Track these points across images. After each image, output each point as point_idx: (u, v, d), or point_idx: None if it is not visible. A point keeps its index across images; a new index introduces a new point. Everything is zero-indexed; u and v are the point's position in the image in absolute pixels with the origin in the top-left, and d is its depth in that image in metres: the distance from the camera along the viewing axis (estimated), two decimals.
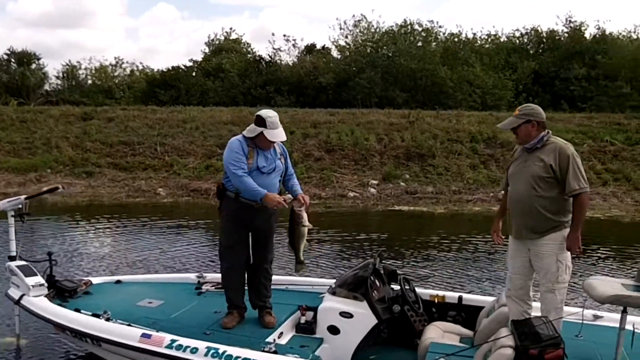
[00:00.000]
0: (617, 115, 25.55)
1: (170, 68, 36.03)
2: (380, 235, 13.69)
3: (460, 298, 6.25)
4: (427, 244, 12.55)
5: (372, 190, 19.25)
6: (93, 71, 40.76)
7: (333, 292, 5.74)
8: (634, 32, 37.91)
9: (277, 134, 5.36)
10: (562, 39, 36.87)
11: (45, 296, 6.05)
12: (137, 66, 43.64)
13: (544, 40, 37.88)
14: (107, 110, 25.97)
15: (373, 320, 5.45)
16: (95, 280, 6.89)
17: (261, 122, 5.31)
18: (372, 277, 5.68)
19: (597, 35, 35.66)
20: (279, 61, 36.84)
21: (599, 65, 33.50)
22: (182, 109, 27.35)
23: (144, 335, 5.05)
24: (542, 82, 35.07)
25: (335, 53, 38.17)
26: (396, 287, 5.98)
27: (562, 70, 34.44)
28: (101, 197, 18.59)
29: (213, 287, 6.66)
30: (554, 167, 4.80)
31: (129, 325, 5.35)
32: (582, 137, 22.31)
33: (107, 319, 5.45)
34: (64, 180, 20.12)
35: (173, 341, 4.90)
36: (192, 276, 7.12)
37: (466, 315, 6.08)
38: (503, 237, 5.51)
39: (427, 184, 19.65)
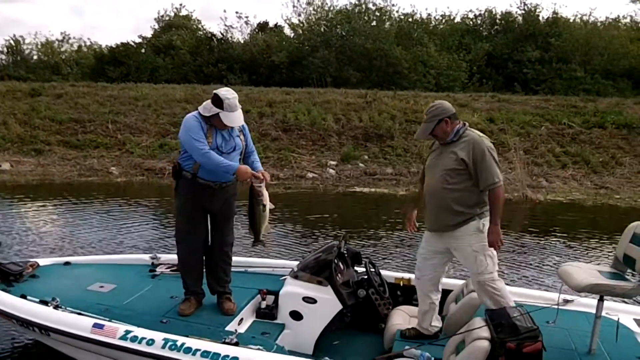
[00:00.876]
0: (573, 98, 25.79)
1: (120, 44, 34.86)
2: (342, 216, 13.46)
3: None
4: (390, 225, 12.29)
5: (331, 171, 18.90)
6: (39, 46, 39.22)
7: (295, 276, 5.48)
8: (588, 15, 38.44)
9: (234, 118, 4.98)
10: (516, 21, 36.98)
11: None
12: (84, 42, 42.21)
13: (498, 22, 37.98)
14: (56, 87, 24.91)
15: (338, 306, 5.22)
16: (42, 261, 6.41)
17: (218, 102, 4.93)
18: (336, 260, 5.42)
19: (550, 18, 35.84)
20: (231, 39, 36.05)
21: (552, 48, 33.76)
22: (133, 86, 26.47)
23: (96, 325, 4.68)
24: (495, 63, 35.18)
25: (288, 31, 37.57)
26: (360, 269, 5.75)
27: (516, 52, 34.62)
28: (52, 175, 17.78)
29: (168, 270, 6.34)
30: (466, 160, 4.64)
31: (79, 313, 4.97)
32: (539, 120, 22.45)
33: (56, 307, 5.06)
34: (12, 158, 19.23)
35: (127, 332, 4.55)
36: (145, 257, 6.75)
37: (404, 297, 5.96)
38: (417, 225, 5.38)
39: (386, 165, 19.41)
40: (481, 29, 38.47)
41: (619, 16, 44.61)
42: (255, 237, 5.14)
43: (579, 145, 20.78)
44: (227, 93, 4.94)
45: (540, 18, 36.33)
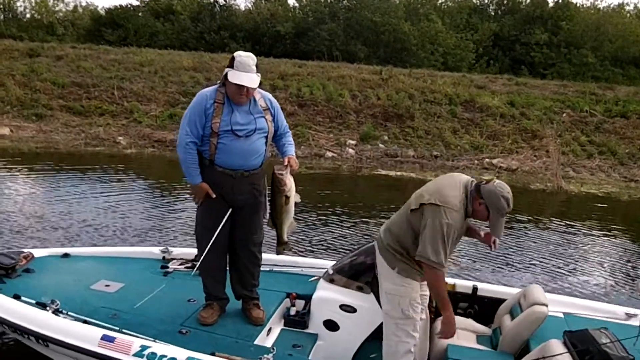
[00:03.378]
0: (591, 85, 25.11)
1: (118, 6, 33.40)
2: (372, 204, 12.45)
3: (475, 288, 5.19)
4: None
5: (350, 150, 18.08)
6: (33, 4, 37.40)
7: (331, 280, 4.77)
8: (598, 1, 37.77)
9: (242, 76, 4.10)
10: (524, 2, 36.21)
11: None
12: (80, 2, 40.55)
13: (505, 2, 37.15)
14: (56, 48, 23.57)
15: (381, 317, 4.38)
16: (37, 252, 5.51)
17: (231, 61, 4.16)
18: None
19: (560, 1, 35.09)
20: (234, 6, 34.70)
21: (561, 32, 33.10)
22: (137, 50, 25.24)
23: (105, 337, 3.94)
24: (501, 45, 34.52)
25: (291, 0, 36.34)
26: None
27: (523, 34, 33.95)
28: (56, 143, 16.70)
29: (182, 266, 5.49)
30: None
31: (84, 321, 4.20)
32: (560, 106, 21.72)
33: (56, 311, 4.26)
34: (12, 122, 18.07)
35: (144, 347, 3.85)
36: (155, 250, 5.86)
37: (479, 308, 5.12)
38: None
39: (407, 147, 18.63)
40: (489, 8, 37.65)
41: (622, 3, 44.13)
42: (278, 238, 4.36)
43: (604, 135, 20.12)
44: (242, 53, 4.19)
45: (550, 1, 35.62)
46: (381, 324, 4.37)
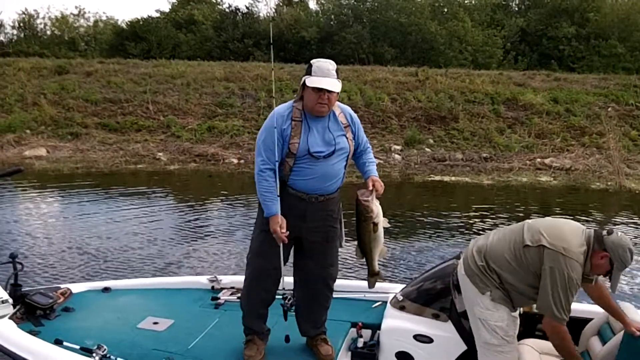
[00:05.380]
0: (632, 77, 24.41)
1: (140, 19, 32.98)
2: (437, 212, 11.82)
3: None
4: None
5: (397, 156, 17.57)
6: (54, 21, 37.06)
7: (401, 307, 4.24)
8: None
9: (322, 80, 3.63)
10: None
11: (11, 318, 4.32)
12: (100, 16, 40.21)
13: None
14: (84, 64, 23.20)
15: (461, 347, 4.01)
16: (75, 287, 5.02)
17: (307, 69, 3.71)
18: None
19: None
20: (256, 13, 34.28)
21: (589, 24, 32.41)
22: (167, 62, 24.78)
23: None
24: (528, 40, 33.83)
25: (312, 5, 35.89)
26: None
27: (550, 28, 33.22)
28: (96, 162, 16.27)
29: (234, 296, 4.94)
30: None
31: None
32: (604, 100, 21.15)
33: (104, 357, 3.78)
34: (48, 142, 17.68)
35: None
36: (202, 280, 5.34)
37: None
38: None
39: (454, 149, 18.10)
40: (512, 3, 37.00)
41: None
42: (369, 268, 3.91)
43: None
44: (320, 59, 3.76)
45: None
46: (461, 355, 4.00)
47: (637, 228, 10.93)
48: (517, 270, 3.53)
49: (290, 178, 3.82)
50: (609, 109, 20.42)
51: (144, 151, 17.39)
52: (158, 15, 34.73)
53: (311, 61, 3.74)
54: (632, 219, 11.81)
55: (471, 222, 11.07)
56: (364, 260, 3.89)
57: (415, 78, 22.43)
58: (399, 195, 13.68)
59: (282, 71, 22.93)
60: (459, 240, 9.70)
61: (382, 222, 3.75)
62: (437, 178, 15.59)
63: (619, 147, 16.57)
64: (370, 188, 3.71)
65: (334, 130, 3.81)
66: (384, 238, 3.84)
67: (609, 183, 15.30)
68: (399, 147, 18.05)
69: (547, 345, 4.04)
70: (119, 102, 20.06)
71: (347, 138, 3.86)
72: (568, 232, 3.49)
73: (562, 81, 23.32)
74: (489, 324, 3.62)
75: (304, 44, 30.91)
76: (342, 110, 3.92)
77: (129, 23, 33.48)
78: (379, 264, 3.92)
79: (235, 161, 16.87)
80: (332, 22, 31.83)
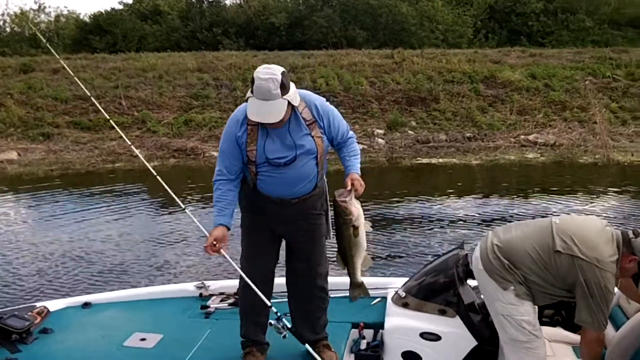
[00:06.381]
0: (605, 49, 24.49)
1: (103, 12, 32.03)
2: (429, 197, 11.49)
3: None
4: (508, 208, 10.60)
5: (380, 140, 17.32)
6: (13, 17, 35.84)
7: (404, 304, 3.99)
8: None
9: (259, 109, 3.25)
10: None
11: None
12: (61, 11, 38.95)
13: None
14: (49, 61, 22.27)
15: (471, 342, 3.80)
16: (52, 305, 4.62)
17: (252, 81, 3.28)
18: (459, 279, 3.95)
19: None
20: (223, 1, 33.51)
21: None
22: (137, 55, 24.07)
23: None
24: (497, 17, 33.80)
25: None
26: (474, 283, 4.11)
27: (518, 4, 33.23)
28: (71, 163, 15.65)
29: (225, 303, 4.63)
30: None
31: None
32: (581, 74, 21.13)
33: None
34: (18, 145, 17.01)
35: None
36: (189, 287, 4.98)
37: (566, 313, 4.25)
38: None
39: (437, 131, 17.92)
40: None
41: None
42: (351, 279, 3.58)
43: (633, 100, 19.55)
44: (262, 72, 3.23)
45: None
46: (471, 351, 3.81)
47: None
48: (544, 271, 3.38)
49: (257, 184, 3.55)
50: (587, 82, 20.37)
51: (120, 149, 16.76)
52: (122, 7, 33.79)
53: (255, 72, 3.26)
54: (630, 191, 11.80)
55: (468, 206, 10.87)
56: (346, 270, 3.55)
57: (391, 60, 22.16)
58: (388, 181, 13.44)
59: (256, 59, 22.48)
60: (457, 227, 9.45)
61: (364, 226, 3.41)
62: (425, 161, 15.37)
63: (604, 120, 16.50)
64: (349, 188, 3.36)
65: (295, 132, 3.43)
66: (367, 244, 3.49)
67: (597, 156, 15.26)
68: (381, 131, 17.78)
69: (555, 332, 3.95)
70: (90, 98, 19.35)
71: (313, 137, 3.46)
72: (599, 239, 3.34)
73: (538, 57, 23.28)
74: (515, 319, 3.41)
75: (274, 30, 30.34)
76: (306, 103, 3.48)
77: (92, 16, 32.57)
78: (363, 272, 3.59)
79: (216, 154, 16.31)
80: (300, 7, 31.30)
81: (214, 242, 3.46)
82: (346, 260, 3.47)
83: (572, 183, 12.62)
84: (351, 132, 3.68)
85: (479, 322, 3.82)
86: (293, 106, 3.36)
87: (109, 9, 32.99)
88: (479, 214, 10.24)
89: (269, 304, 3.54)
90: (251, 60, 22.31)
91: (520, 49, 25.16)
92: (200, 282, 4.97)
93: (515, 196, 11.50)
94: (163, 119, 18.48)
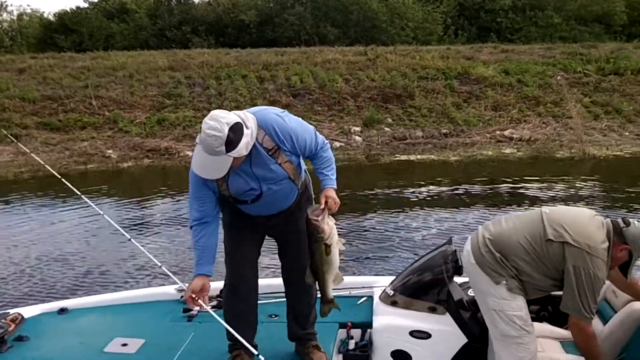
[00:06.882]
0: (574, 45, 24.79)
1: (69, 10, 31.44)
2: (413, 195, 11.45)
3: None
4: (489, 203, 10.56)
5: (357, 138, 17.20)
6: None
7: (393, 302, 3.96)
8: None
9: (204, 163, 3.10)
10: None
11: None
12: (24, 9, 38.12)
13: None
14: (15, 60, 21.80)
15: (461, 339, 3.78)
16: (27, 311, 4.42)
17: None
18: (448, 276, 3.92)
19: None
20: None
21: None
22: (106, 54, 23.56)
23: None
24: (467, 14, 34.00)
25: None
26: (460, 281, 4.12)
27: (487, 1, 33.49)
28: (42, 165, 15.09)
29: (208, 305, 4.52)
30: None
31: None
32: (552, 70, 21.29)
33: None
34: None
35: None
36: (170, 290, 4.82)
37: (553, 308, 4.21)
38: None
39: (413, 127, 17.87)
40: None
41: None
42: (322, 296, 3.46)
43: (604, 94, 19.73)
44: (209, 121, 3.00)
45: None
46: (461, 349, 3.79)
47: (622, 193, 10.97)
48: (537, 262, 3.36)
49: (239, 207, 3.48)
50: (559, 78, 20.55)
51: (91, 149, 16.40)
52: (87, 5, 33.24)
53: (204, 120, 3.03)
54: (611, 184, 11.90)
55: (450, 201, 10.85)
56: (317, 285, 3.44)
57: (365, 57, 22.08)
58: (368, 178, 13.36)
59: (229, 57, 22.25)
60: (440, 223, 9.40)
61: (337, 244, 3.28)
62: (404, 158, 15.32)
63: (580, 115, 16.64)
64: (322, 206, 3.21)
65: (260, 165, 3.28)
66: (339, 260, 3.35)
67: (573, 151, 15.39)
68: (358, 129, 17.66)
69: (542, 327, 3.91)
70: (59, 98, 18.88)
71: (280, 164, 3.31)
72: (591, 227, 3.34)
73: (510, 53, 23.41)
74: (506, 314, 3.39)
75: (244, 28, 30.13)
76: (265, 131, 3.23)
77: (56, 15, 31.95)
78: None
79: (191, 154, 16.04)
80: (270, 4, 31.09)
81: (193, 295, 3.33)
82: (317, 277, 3.36)
83: (551, 176, 12.68)
84: (321, 140, 3.44)
85: (469, 319, 3.78)
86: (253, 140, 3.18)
87: (74, 7, 32.49)
88: (461, 209, 10.22)
89: (255, 352, 3.37)
90: (223, 58, 22.06)
91: (492, 45, 25.31)
92: (180, 285, 4.78)
93: (496, 191, 11.49)
94: (135, 118, 18.09)
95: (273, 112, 3.32)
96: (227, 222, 3.64)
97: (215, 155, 2.99)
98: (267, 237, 3.76)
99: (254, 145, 3.18)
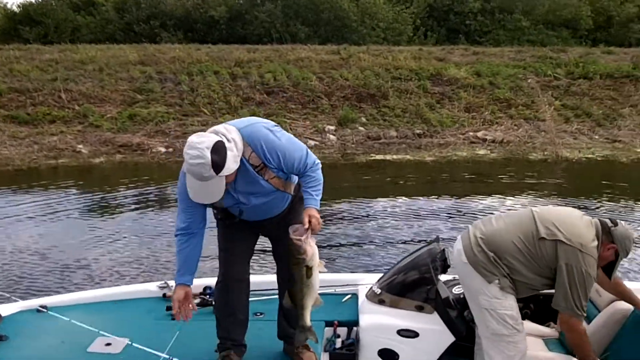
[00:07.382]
0: (543, 49, 25.14)
1: (34, 1, 30.67)
2: (390, 194, 11.41)
3: None
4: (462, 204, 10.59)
5: (332, 137, 17.10)
6: None
7: (380, 300, 3.92)
8: None
9: (199, 190, 3.11)
10: None
11: None
12: None
13: None
14: None
15: (449, 338, 3.76)
16: (4, 309, 4.27)
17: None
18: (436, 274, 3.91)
19: None
20: None
21: None
22: (74, 47, 23.10)
23: None
24: (436, 16, 34.27)
25: None
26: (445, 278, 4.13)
27: (457, 3, 33.80)
28: (10, 160, 14.73)
29: (196, 309, 4.45)
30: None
31: None
32: (523, 72, 21.53)
33: None
34: None
35: None
36: (152, 287, 4.71)
37: (535, 306, 4.26)
38: None
39: (387, 127, 17.83)
40: None
41: None
42: (299, 321, 3.31)
43: (574, 98, 20.02)
44: (189, 151, 2.97)
45: None
46: (450, 347, 3.77)
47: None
48: (530, 261, 3.39)
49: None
50: (530, 81, 20.77)
51: (61, 144, 15.97)
52: None
53: (184, 149, 2.99)
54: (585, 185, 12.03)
55: (428, 201, 10.84)
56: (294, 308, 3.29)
57: (338, 56, 22.08)
58: (346, 178, 13.27)
59: (200, 52, 21.98)
60: (421, 221, 9.40)
61: (318, 266, 3.17)
62: (379, 157, 15.26)
63: (554, 118, 16.83)
64: (306, 226, 3.11)
65: (248, 181, 3.24)
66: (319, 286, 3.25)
67: (546, 153, 15.53)
68: (332, 127, 17.57)
69: (525, 325, 3.78)
70: (27, 91, 18.37)
71: (267, 180, 3.26)
72: (581, 225, 3.39)
73: (481, 55, 23.63)
74: (498, 312, 3.41)
75: (213, 24, 29.88)
76: (252, 147, 3.17)
77: (21, 6, 31.21)
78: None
79: (163, 150, 15.83)
80: (241, 1, 30.87)
81: (178, 307, 3.33)
82: (295, 301, 3.21)
83: (526, 178, 12.80)
84: (311, 160, 3.32)
85: (456, 318, 3.75)
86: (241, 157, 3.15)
87: None
88: (440, 208, 10.22)
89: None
90: (195, 54, 21.80)
91: (463, 47, 25.55)
92: (163, 282, 4.68)
93: (474, 191, 11.55)
94: (106, 113, 17.71)
95: (263, 126, 3.22)
96: (221, 220, 3.56)
97: (207, 180, 2.99)
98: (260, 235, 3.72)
99: (242, 162, 3.13)
